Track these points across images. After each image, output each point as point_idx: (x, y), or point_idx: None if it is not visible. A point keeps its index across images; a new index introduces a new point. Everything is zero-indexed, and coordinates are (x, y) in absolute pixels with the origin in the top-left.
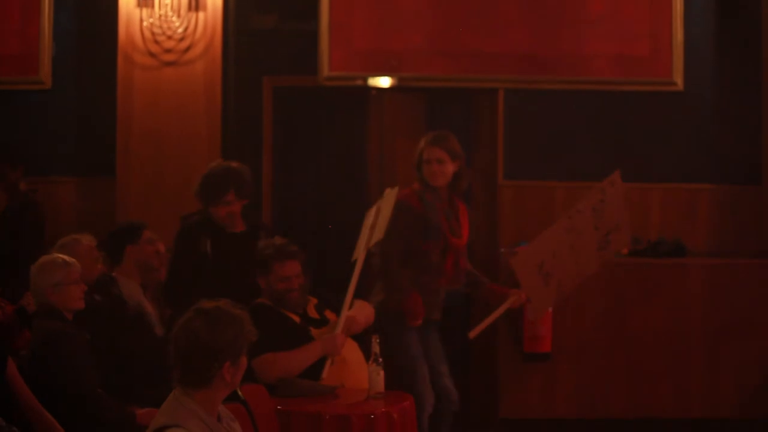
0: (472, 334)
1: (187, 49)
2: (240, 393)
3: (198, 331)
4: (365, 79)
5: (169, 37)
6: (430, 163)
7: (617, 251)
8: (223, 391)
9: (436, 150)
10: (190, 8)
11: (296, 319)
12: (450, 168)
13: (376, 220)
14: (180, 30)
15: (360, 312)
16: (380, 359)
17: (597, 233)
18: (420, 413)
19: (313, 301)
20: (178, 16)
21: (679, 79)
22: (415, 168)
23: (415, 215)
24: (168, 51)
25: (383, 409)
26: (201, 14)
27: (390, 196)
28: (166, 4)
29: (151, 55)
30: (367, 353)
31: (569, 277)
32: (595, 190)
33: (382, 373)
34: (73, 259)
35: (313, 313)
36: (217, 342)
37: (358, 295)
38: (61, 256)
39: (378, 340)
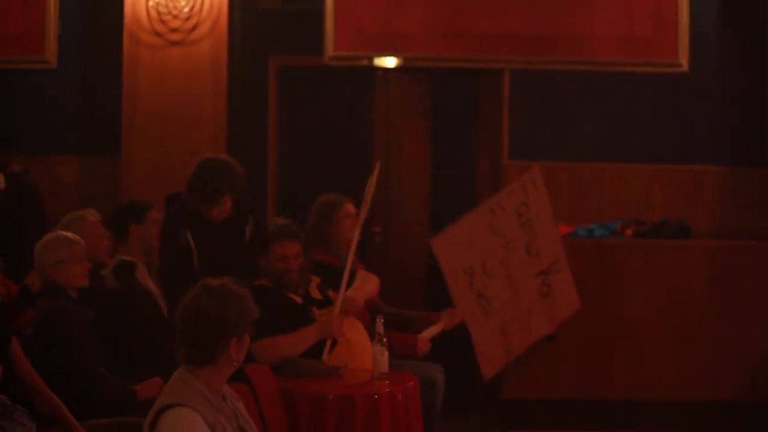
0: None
1: (193, 28)
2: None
3: (205, 307)
4: (370, 59)
5: (175, 17)
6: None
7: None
8: (228, 368)
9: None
10: None
11: (298, 300)
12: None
13: (367, 197)
14: (186, 9)
15: (360, 290)
16: (384, 339)
17: (531, 261)
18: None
19: (316, 280)
20: None
21: (684, 60)
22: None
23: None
24: (174, 30)
25: (387, 390)
26: None
27: (376, 171)
28: None
29: (157, 34)
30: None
31: (519, 335)
32: (516, 187)
33: (386, 353)
34: (78, 237)
35: (315, 293)
36: (225, 318)
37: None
38: (65, 233)
39: (382, 320)
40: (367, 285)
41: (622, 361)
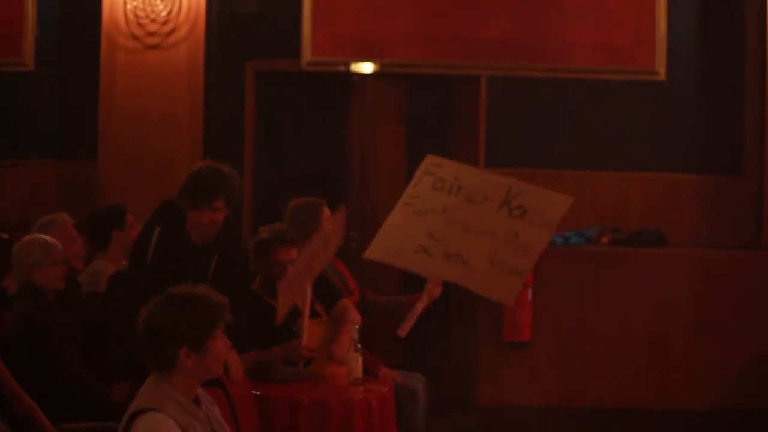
0: (402, 332)
1: (171, 32)
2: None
3: (153, 314)
4: (347, 65)
5: (153, 20)
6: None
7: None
8: (194, 377)
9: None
10: None
11: None
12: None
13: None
14: (164, 13)
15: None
16: (359, 345)
17: (481, 205)
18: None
19: None
20: None
21: (661, 69)
22: None
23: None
24: (151, 34)
25: (362, 396)
26: None
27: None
28: None
29: (135, 38)
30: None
31: (517, 255)
32: (418, 175)
33: (360, 359)
34: (55, 240)
35: None
36: (169, 326)
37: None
38: (42, 236)
39: (357, 327)
40: (347, 314)
41: (599, 368)
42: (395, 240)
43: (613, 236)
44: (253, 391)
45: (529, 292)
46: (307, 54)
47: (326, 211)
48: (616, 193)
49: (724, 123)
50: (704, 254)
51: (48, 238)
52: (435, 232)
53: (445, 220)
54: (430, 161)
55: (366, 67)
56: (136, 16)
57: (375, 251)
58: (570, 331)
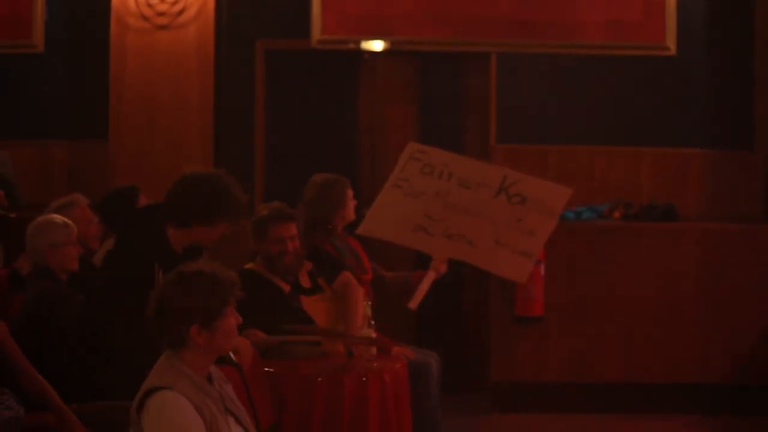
0: (412, 304)
1: (180, 12)
2: (233, 356)
3: (164, 292)
4: (357, 43)
5: (162, 1)
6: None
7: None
8: (205, 354)
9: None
10: None
11: (285, 287)
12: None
13: None
14: None
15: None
16: (372, 322)
17: (477, 191)
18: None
19: (307, 266)
20: None
21: (671, 44)
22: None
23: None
24: (161, 14)
25: (376, 372)
26: None
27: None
28: None
29: (144, 18)
30: None
31: (524, 237)
32: (404, 159)
33: (374, 335)
34: (71, 222)
35: (305, 280)
36: (180, 303)
37: None
38: (59, 216)
39: (370, 303)
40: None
41: (612, 343)
42: (389, 218)
43: (625, 211)
44: (266, 369)
45: (542, 267)
46: (316, 32)
47: (351, 191)
48: (628, 168)
49: (734, 97)
50: (715, 228)
51: (65, 218)
52: (432, 213)
53: (441, 203)
54: (414, 148)
55: (376, 45)
56: None
57: (368, 227)
58: (582, 306)
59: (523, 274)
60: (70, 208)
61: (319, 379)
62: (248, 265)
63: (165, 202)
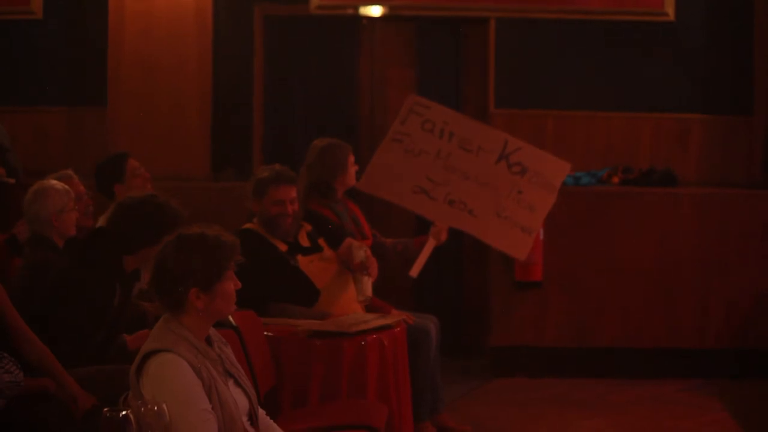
0: (414, 272)
1: None
2: (232, 320)
3: (164, 254)
4: (356, 8)
5: None
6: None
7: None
8: (204, 318)
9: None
10: None
11: (283, 247)
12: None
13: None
14: None
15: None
16: (367, 267)
17: (478, 156)
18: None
19: (307, 228)
20: None
21: (670, 10)
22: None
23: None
24: None
25: (374, 336)
26: None
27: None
28: None
29: None
30: None
31: (523, 211)
32: (404, 113)
33: (370, 280)
34: (68, 187)
35: (304, 240)
36: (179, 266)
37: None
38: (58, 182)
39: (366, 247)
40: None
41: (610, 307)
42: (389, 176)
43: (624, 176)
44: (265, 332)
45: (541, 232)
46: None
47: (352, 156)
48: (627, 133)
49: (733, 62)
50: (714, 193)
51: (63, 184)
52: (433, 175)
53: (441, 165)
54: (415, 101)
55: (374, 10)
56: None
57: (368, 183)
58: (581, 271)
59: (524, 250)
60: (67, 181)
61: (318, 343)
62: (247, 225)
63: (109, 234)
